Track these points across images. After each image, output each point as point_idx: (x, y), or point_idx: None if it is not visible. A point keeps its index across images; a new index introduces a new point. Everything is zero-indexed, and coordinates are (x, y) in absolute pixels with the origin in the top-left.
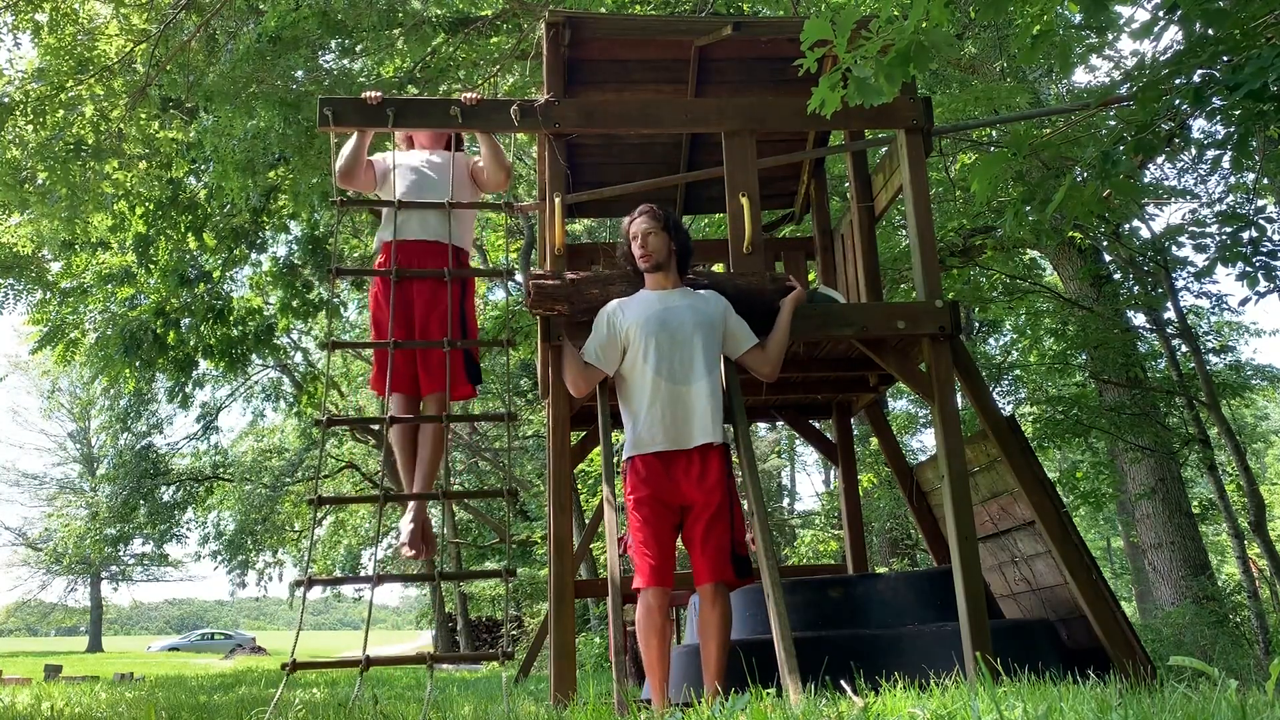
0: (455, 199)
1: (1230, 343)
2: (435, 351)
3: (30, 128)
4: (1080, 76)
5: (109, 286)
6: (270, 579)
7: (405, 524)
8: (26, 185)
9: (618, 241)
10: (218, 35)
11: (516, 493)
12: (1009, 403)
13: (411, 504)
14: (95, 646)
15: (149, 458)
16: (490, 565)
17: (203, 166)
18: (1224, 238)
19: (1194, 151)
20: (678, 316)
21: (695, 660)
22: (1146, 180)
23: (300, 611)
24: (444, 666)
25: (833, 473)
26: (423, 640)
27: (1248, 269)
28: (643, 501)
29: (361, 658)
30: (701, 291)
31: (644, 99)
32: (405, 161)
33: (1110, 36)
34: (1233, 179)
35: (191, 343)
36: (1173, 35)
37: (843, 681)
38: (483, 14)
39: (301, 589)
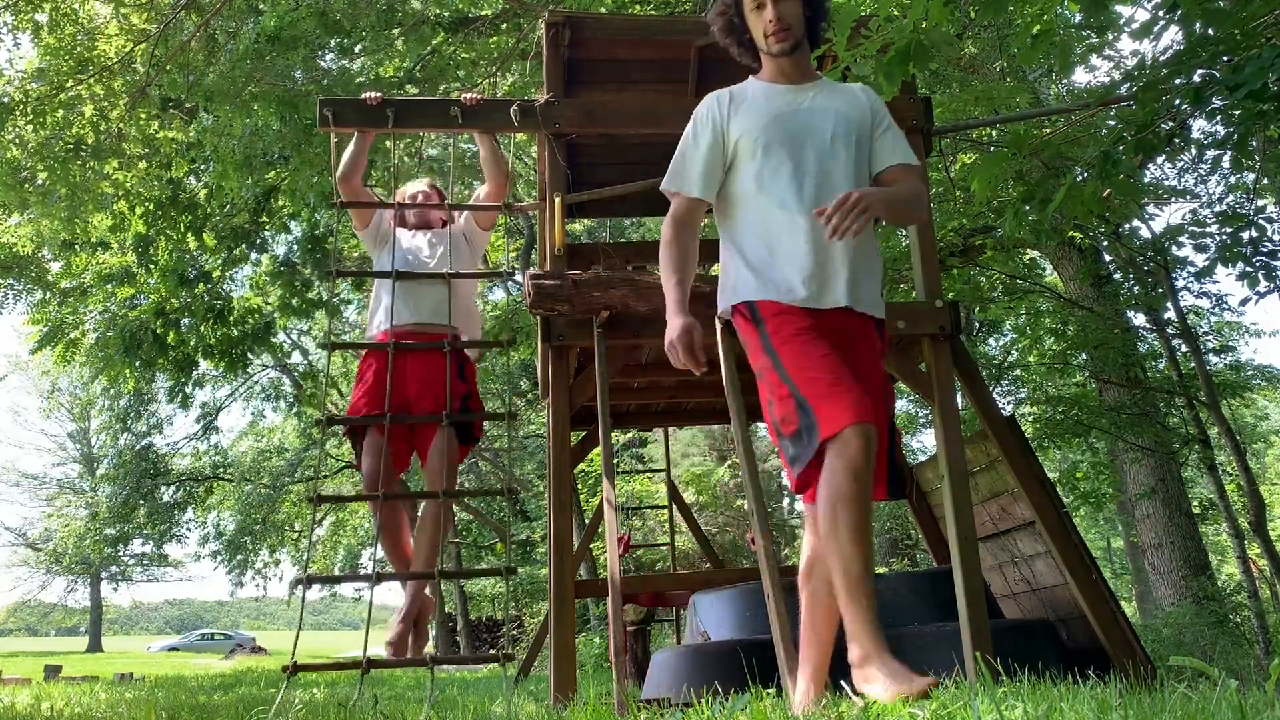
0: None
1: (1230, 343)
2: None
3: (30, 128)
4: (1080, 76)
5: (109, 286)
6: (269, 579)
7: (394, 624)
8: (26, 185)
9: (710, 13)
10: (217, 35)
11: (516, 492)
12: (1009, 403)
13: (407, 599)
14: (95, 647)
15: (149, 458)
16: (490, 562)
17: (203, 166)
18: (1224, 238)
19: (1194, 151)
20: (811, 121)
21: (696, 660)
22: (1146, 180)
23: (300, 611)
24: (445, 667)
25: None
26: None
27: (1248, 269)
28: (802, 331)
29: (363, 659)
30: (846, 84)
31: (644, 99)
32: (402, 238)
33: (1110, 36)
34: (1233, 179)
35: (191, 343)
36: (1173, 35)
37: (843, 682)
38: (483, 14)
39: (301, 587)
